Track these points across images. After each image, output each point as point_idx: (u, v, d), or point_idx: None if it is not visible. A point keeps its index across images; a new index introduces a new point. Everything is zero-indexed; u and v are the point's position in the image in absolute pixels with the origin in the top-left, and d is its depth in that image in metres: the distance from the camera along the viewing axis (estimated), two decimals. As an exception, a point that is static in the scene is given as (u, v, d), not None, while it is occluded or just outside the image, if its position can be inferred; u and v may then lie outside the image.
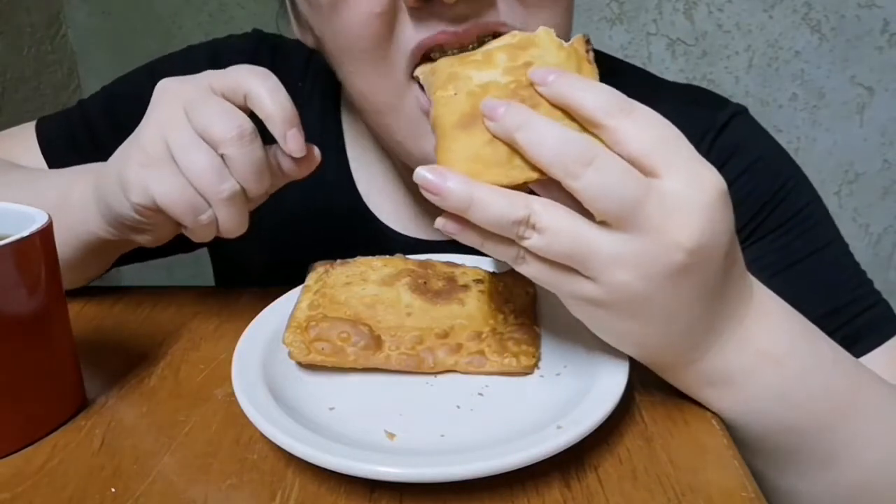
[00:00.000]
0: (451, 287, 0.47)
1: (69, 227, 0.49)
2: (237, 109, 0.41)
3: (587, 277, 0.35)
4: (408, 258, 0.51)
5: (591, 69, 0.38)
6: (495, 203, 0.34)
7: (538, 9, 0.47)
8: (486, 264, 0.52)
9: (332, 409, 0.40)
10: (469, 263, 0.52)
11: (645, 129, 0.34)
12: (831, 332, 0.43)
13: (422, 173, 0.35)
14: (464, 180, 0.34)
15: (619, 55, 0.64)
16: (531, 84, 0.36)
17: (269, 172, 0.43)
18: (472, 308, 0.46)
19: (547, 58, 0.37)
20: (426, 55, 0.47)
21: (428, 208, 0.63)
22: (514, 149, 0.35)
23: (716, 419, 0.41)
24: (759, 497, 0.35)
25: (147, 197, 0.42)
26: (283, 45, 0.68)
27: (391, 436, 0.38)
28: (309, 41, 0.56)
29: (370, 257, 0.51)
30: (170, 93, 0.43)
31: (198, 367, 0.47)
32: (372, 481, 0.35)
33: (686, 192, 0.33)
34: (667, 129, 0.35)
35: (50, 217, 0.41)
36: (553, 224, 0.34)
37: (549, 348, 0.45)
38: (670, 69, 1.50)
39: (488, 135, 0.35)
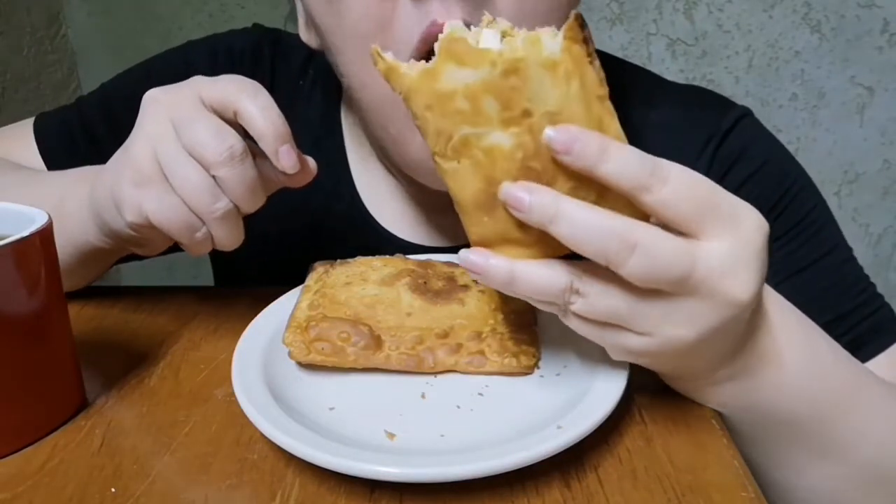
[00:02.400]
0: (451, 287, 0.47)
1: (65, 234, 0.49)
2: (227, 127, 0.41)
3: (635, 332, 0.35)
4: (408, 258, 0.51)
5: (595, 73, 0.33)
6: (538, 277, 0.34)
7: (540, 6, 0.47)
8: (486, 264, 0.52)
9: (332, 409, 0.40)
10: (469, 263, 0.52)
11: (682, 195, 0.33)
12: (835, 339, 0.43)
13: (465, 255, 0.35)
14: (504, 259, 0.35)
15: (619, 55, 0.64)
16: (541, 150, 0.33)
17: (262, 188, 0.42)
18: (472, 308, 0.46)
19: (546, 95, 0.32)
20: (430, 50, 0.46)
21: (428, 215, 0.63)
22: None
23: (716, 419, 0.41)
24: (759, 497, 0.35)
25: (141, 216, 0.42)
26: (283, 41, 0.68)
27: (391, 436, 0.38)
28: (313, 42, 0.56)
29: (370, 257, 0.51)
30: (158, 104, 0.42)
31: (198, 367, 0.47)
32: (372, 481, 0.35)
33: (733, 250, 0.33)
34: (702, 186, 0.33)
35: (50, 217, 0.41)
36: (597, 289, 0.34)
37: (549, 348, 0.45)
38: (670, 69, 1.50)
39: (515, 217, 0.34)
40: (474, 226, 0.36)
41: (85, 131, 0.66)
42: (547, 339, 0.46)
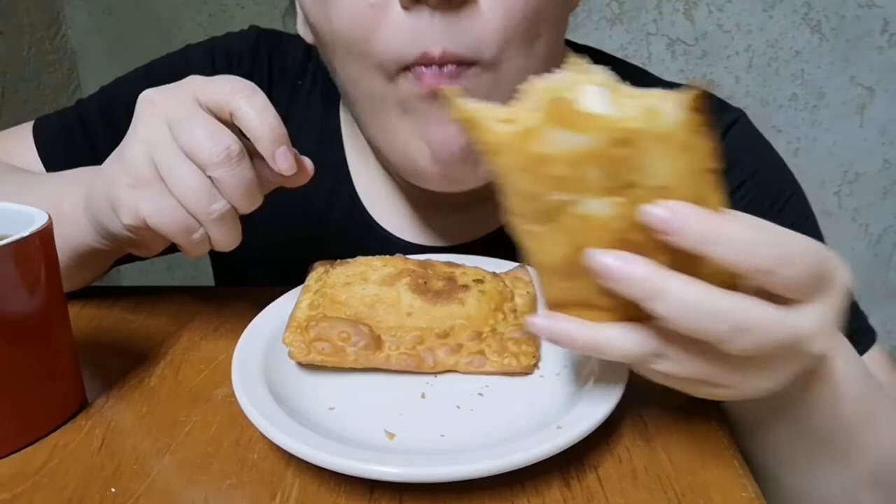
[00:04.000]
0: (451, 287, 0.47)
1: (62, 236, 0.48)
2: (223, 128, 0.41)
3: (718, 386, 0.35)
4: (408, 258, 0.51)
5: (709, 144, 0.30)
6: (621, 345, 0.33)
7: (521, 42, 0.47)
8: (486, 264, 0.52)
9: (332, 409, 0.40)
10: (469, 263, 0.52)
11: (802, 273, 0.31)
12: None
13: (538, 322, 0.34)
14: (583, 327, 0.33)
15: (619, 55, 0.64)
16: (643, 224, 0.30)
17: (259, 189, 0.42)
18: (472, 308, 0.46)
19: (656, 169, 0.29)
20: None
21: (428, 215, 0.63)
22: None
23: (716, 419, 0.41)
24: (759, 497, 0.35)
25: (138, 218, 0.41)
26: (281, 42, 0.68)
27: (391, 436, 0.38)
28: (309, 37, 0.56)
29: (370, 257, 0.51)
30: (153, 105, 0.42)
31: (198, 367, 0.47)
32: (372, 481, 0.35)
33: (826, 314, 0.33)
34: (815, 257, 0.32)
35: (50, 217, 0.41)
36: (683, 354, 0.33)
37: (549, 348, 0.45)
38: (670, 69, 1.50)
39: (600, 284, 0.31)
40: (551, 289, 0.34)
41: (85, 134, 0.66)
42: (547, 339, 0.46)
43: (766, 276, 0.30)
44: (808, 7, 1.43)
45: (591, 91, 0.30)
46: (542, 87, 0.30)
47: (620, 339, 0.33)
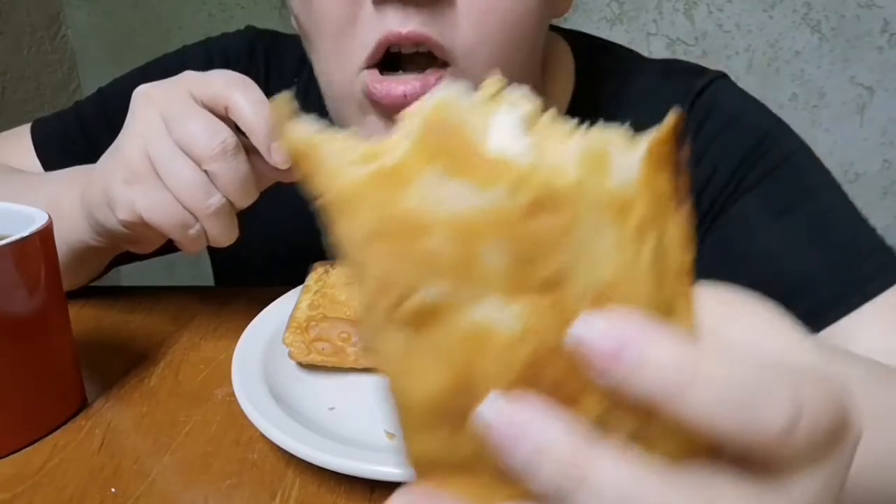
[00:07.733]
0: (451, 287, 0.47)
1: (60, 235, 0.49)
2: (219, 122, 0.40)
3: None
4: (408, 258, 0.51)
5: (682, 226, 0.18)
6: None
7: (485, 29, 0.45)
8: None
9: (332, 409, 0.40)
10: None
11: (807, 434, 0.14)
12: (832, 281, 0.43)
13: (406, 500, 0.19)
14: None
15: (619, 55, 0.64)
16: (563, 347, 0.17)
17: (255, 183, 0.42)
18: (471, 308, 0.45)
19: (598, 256, 0.17)
20: (386, 53, 0.45)
21: None
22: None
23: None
24: (759, 497, 0.35)
25: (134, 214, 0.41)
26: (277, 42, 0.68)
27: (391, 436, 0.38)
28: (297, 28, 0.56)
29: (370, 257, 0.51)
30: (148, 100, 0.42)
31: (198, 367, 0.47)
32: (372, 481, 0.35)
33: (833, 481, 0.19)
34: (830, 410, 0.17)
35: (50, 217, 0.41)
36: None
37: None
38: (670, 69, 1.50)
39: (476, 441, 0.18)
40: (420, 438, 0.20)
41: (83, 136, 0.66)
42: (547, 339, 0.46)
43: (757, 446, 0.17)
44: (808, 7, 1.43)
45: (503, 121, 0.17)
46: (424, 108, 0.18)
47: None
